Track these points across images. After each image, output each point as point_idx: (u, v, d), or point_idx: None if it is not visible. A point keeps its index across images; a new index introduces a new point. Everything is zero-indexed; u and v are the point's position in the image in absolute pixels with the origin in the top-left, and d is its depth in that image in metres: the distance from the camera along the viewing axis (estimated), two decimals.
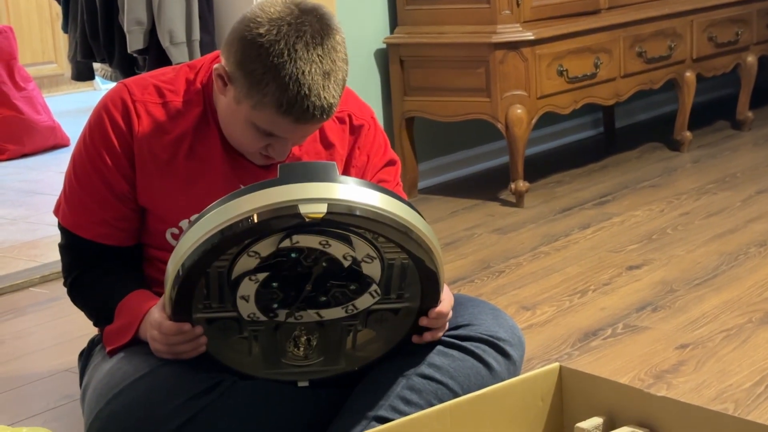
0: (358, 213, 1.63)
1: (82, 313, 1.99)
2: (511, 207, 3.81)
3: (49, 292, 3.15)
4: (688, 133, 4.52)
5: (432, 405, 1.79)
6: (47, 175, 4.93)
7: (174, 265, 1.68)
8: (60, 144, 5.53)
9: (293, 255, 1.68)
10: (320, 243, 1.67)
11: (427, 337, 1.83)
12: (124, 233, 1.92)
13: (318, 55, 1.72)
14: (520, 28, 3.72)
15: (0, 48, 5.42)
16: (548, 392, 1.86)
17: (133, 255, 1.96)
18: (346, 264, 1.70)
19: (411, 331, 1.83)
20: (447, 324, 1.87)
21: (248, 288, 1.71)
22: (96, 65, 3.73)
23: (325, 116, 1.76)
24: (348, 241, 1.67)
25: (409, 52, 3.90)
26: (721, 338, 2.48)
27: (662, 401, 1.73)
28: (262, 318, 1.76)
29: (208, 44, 3.42)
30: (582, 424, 1.78)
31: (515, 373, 1.92)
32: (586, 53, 3.95)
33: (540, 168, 4.32)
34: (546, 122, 4.59)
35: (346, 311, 1.77)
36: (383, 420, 1.78)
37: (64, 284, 1.98)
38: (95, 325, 1.98)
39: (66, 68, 6.98)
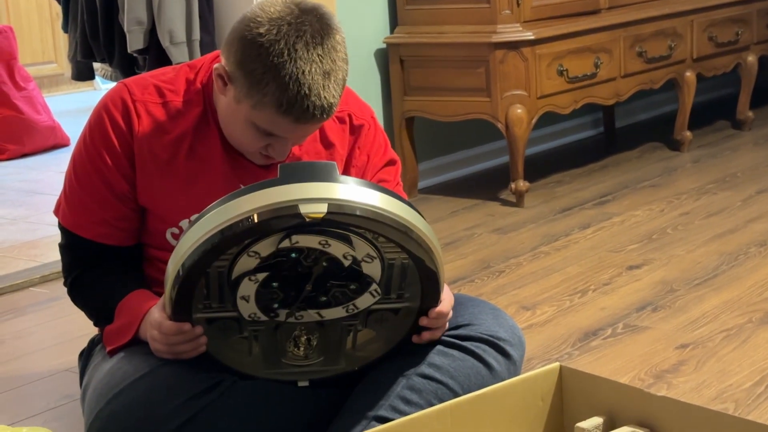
0: (358, 213, 1.63)
1: (82, 313, 1.99)
2: (512, 207, 3.81)
3: (49, 291, 3.15)
4: (688, 133, 4.53)
5: (432, 405, 1.79)
6: (47, 175, 4.93)
7: (174, 265, 1.68)
8: (60, 144, 5.53)
9: (293, 255, 1.68)
10: (320, 243, 1.67)
11: (426, 336, 1.83)
12: (124, 233, 1.92)
13: (318, 55, 1.72)
14: (520, 28, 3.72)
15: (0, 48, 5.42)
16: (548, 392, 1.86)
17: (133, 255, 1.96)
18: (347, 263, 1.70)
19: (411, 331, 1.83)
20: (447, 324, 1.87)
21: (248, 288, 1.71)
22: (96, 65, 3.73)
23: (325, 116, 1.76)
24: (348, 241, 1.67)
25: (409, 52, 3.90)
26: (721, 338, 2.48)
27: (662, 401, 1.73)
28: (263, 318, 1.76)
29: (208, 44, 3.42)
30: (582, 424, 1.78)
31: (515, 373, 1.92)
32: (586, 53, 3.95)
33: (540, 168, 4.32)
34: (546, 122, 4.59)
35: (347, 311, 1.77)
36: (383, 420, 1.78)
37: (64, 284, 1.98)
38: (95, 325, 1.98)
39: (66, 68, 6.98)
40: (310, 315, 1.77)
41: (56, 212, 1.96)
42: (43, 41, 7.28)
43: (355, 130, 1.99)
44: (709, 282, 2.87)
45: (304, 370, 1.83)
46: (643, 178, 4.09)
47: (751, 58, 4.78)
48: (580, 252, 3.22)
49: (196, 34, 3.38)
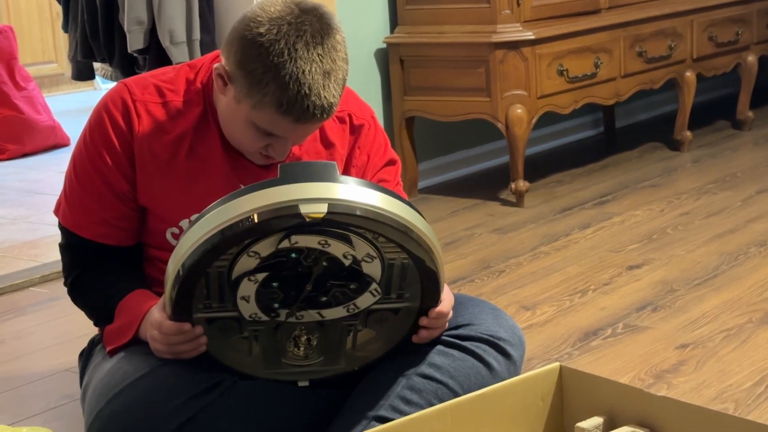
0: (358, 213, 1.63)
1: (82, 313, 1.99)
2: (512, 207, 3.81)
3: (49, 291, 3.15)
4: (688, 133, 4.53)
5: (432, 405, 1.79)
6: (47, 174, 4.93)
7: (174, 264, 1.68)
8: (60, 144, 5.53)
9: (293, 255, 1.68)
10: (319, 243, 1.67)
11: (423, 334, 1.82)
12: (124, 233, 1.92)
13: (318, 55, 1.72)
14: (521, 28, 3.72)
15: (0, 48, 5.42)
16: (548, 392, 1.86)
17: (134, 255, 1.96)
18: (347, 263, 1.70)
19: (411, 331, 1.83)
20: (447, 324, 1.87)
21: (248, 288, 1.71)
22: (96, 65, 3.73)
23: (325, 116, 1.76)
24: (348, 241, 1.67)
25: (409, 52, 3.90)
26: (721, 338, 2.48)
27: (662, 401, 1.73)
28: (264, 318, 1.76)
29: (208, 44, 3.42)
30: (582, 424, 1.78)
31: (515, 373, 1.92)
32: (586, 53, 3.95)
33: (540, 168, 4.32)
34: (546, 122, 4.59)
35: (348, 310, 1.77)
36: (383, 420, 1.78)
37: (65, 284, 1.98)
38: (95, 324, 1.98)
39: (66, 68, 6.98)
40: (311, 315, 1.77)
41: (56, 212, 1.96)
42: (44, 41, 7.28)
43: (355, 130, 1.99)
44: (709, 282, 2.87)
45: (304, 370, 1.83)
46: (643, 178, 4.09)
47: (751, 58, 4.78)
48: (580, 252, 3.22)
49: (197, 34, 3.38)
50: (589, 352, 2.46)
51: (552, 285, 2.94)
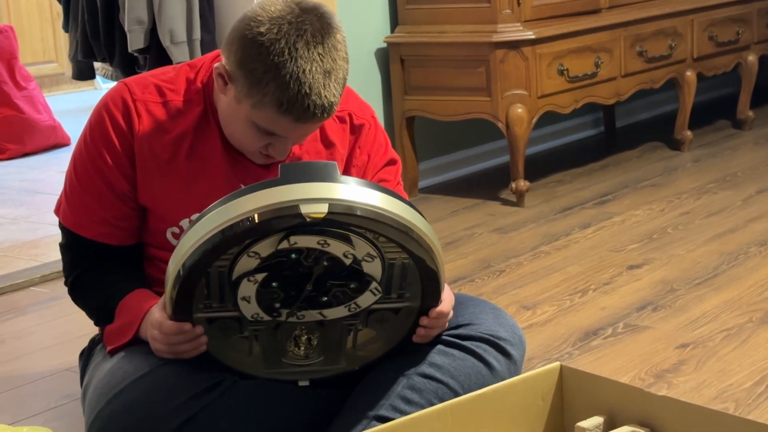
0: (359, 213, 1.63)
1: (82, 313, 1.99)
2: (512, 206, 3.81)
3: (49, 291, 3.15)
4: (688, 133, 4.52)
5: (433, 404, 1.79)
6: (48, 174, 4.93)
7: (175, 264, 1.68)
8: (61, 143, 5.53)
9: (293, 256, 1.68)
10: (318, 243, 1.66)
11: (421, 332, 1.82)
12: (124, 232, 1.92)
13: (319, 54, 1.72)
14: (521, 28, 3.72)
15: (1, 47, 5.42)
16: (549, 392, 1.86)
17: (134, 254, 1.96)
18: (347, 262, 1.70)
19: (411, 330, 1.83)
20: (447, 324, 1.87)
21: (248, 289, 1.71)
22: (97, 64, 3.73)
23: (325, 115, 1.76)
24: (348, 241, 1.67)
25: (409, 52, 3.90)
26: (721, 338, 2.48)
27: (663, 401, 1.73)
28: (266, 318, 1.76)
29: (208, 43, 3.43)
30: (582, 424, 1.78)
31: (516, 373, 1.92)
32: (586, 52, 3.95)
33: (540, 167, 4.32)
34: (546, 121, 4.59)
35: (349, 310, 1.77)
36: (384, 419, 1.78)
37: (65, 283, 1.98)
38: (96, 324, 1.98)
39: (67, 67, 6.98)
40: (312, 314, 1.77)
41: (57, 212, 1.96)
42: (44, 41, 7.28)
43: (355, 130, 1.99)
44: (710, 282, 2.87)
45: (304, 370, 1.83)
46: (644, 178, 4.09)
47: (752, 58, 4.78)
48: (580, 251, 3.22)
49: (197, 34, 3.38)
50: (589, 351, 2.46)
51: (552, 285, 2.94)
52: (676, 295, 2.78)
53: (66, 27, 3.68)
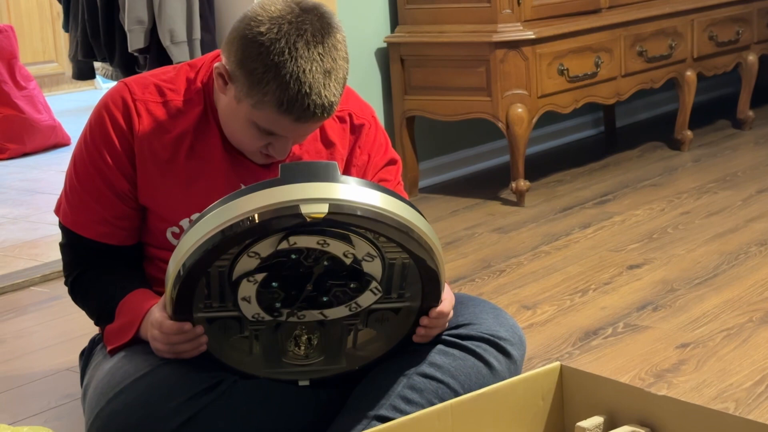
0: (359, 213, 1.63)
1: (82, 313, 1.99)
2: (512, 206, 3.81)
3: (49, 291, 3.15)
4: (688, 132, 4.52)
5: (433, 404, 1.79)
6: (48, 174, 4.93)
7: (175, 264, 1.68)
8: (61, 143, 5.53)
9: (293, 256, 1.68)
10: (318, 243, 1.66)
11: (421, 332, 1.83)
12: (124, 232, 1.92)
13: (319, 54, 1.72)
14: (521, 27, 3.72)
15: (1, 47, 5.42)
16: (549, 391, 1.86)
17: (134, 254, 1.96)
18: (348, 261, 1.70)
19: (412, 330, 1.83)
20: (447, 323, 1.87)
21: (248, 289, 1.71)
22: (97, 64, 3.73)
23: (325, 115, 1.76)
24: (348, 240, 1.67)
25: (409, 51, 3.90)
26: (721, 337, 2.48)
27: (663, 400, 1.74)
28: (267, 318, 1.76)
29: (208, 43, 3.43)
30: (583, 423, 1.78)
31: (516, 372, 1.92)
32: (586, 52, 3.95)
33: (541, 167, 4.32)
34: (547, 121, 4.59)
35: (350, 309, 1.77)
36: (384, 419, 1.78)
37: (65, 283, 1.98)
38: (96, 324, 1.98)
39: (67, 67, 6.99)
40: (313, 314, 1.77)
41: (57, 211, 1.96)
42: (44, 40, 7.28)
43: (355, 130, 1.99)
44: (710, 281, 2.87)
45: (304, 370, 1.83)
46: (644, 178, 4.09)
47: (752, 58, 4.78)
48: (580, 251, 3.22)
49: (197, 33, 3.38)
50: (589, 351, 2.46)
51: (552, 284, 2.94)
52: (676, 295, 2.78)
53: (66, 27, 3.68)
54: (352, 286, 1.74)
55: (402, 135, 3.96)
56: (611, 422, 1.79)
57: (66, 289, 1.98)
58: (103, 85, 7.13)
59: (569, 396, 1.86)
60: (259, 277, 1.69)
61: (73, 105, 6.74)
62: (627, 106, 5.06)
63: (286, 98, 1.71)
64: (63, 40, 7.16)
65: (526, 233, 3.46)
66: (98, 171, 1.88)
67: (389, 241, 1.67)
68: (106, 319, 1.91)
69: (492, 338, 1.90)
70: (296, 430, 1.83)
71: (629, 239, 3.30)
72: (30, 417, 2.28)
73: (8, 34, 5.49)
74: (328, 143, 1.96)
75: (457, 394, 1.83)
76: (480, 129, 4.32)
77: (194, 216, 1.85)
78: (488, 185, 4.11)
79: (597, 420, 1.79)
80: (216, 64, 1.80)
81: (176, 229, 1.91)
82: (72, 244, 1.94)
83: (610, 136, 4.92)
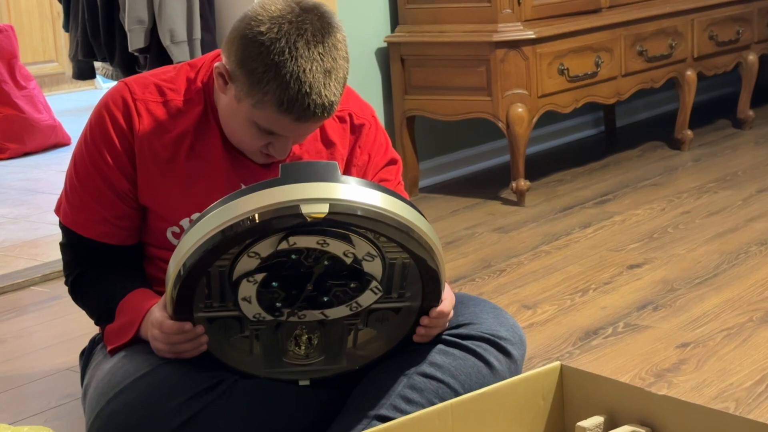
0: (359, 213, 1.63)
1: (83, 312, 1.99)
2: (512, 206, 3.81)
3: (50, 290, 3.15)
4: (689, 132, 4.52)
5: (433, 404, 1.79)
6: (48, 174, 4.93)
7: (175, 264, 1.68)
8: (61, 143, 5.53)
9: (293, 256, 1.68)
10: (318, 242, 1.66)
11: (422, 332, 1.83)
12: (124, 232, 1.92)
13: (319, 53, 1.72)
14: (521, 27, 3.72)
15: (1, 47, 5.42)
16: (549, 391, 1.86)
17: (134, 254, 1.96)
18: (348, 261, 1.70)
19: (412, 330, 1.83)
20: (448, 323, 1.87)
21: (248, 289, 1.71)
22: (97, 64, 3.73)
23: (326, 114, 1.76)
24: (348, 240, 1.67)
25: (410, 51, 3.90)
26: (721, 337, 2.48)
27: (663, 400, 1.74)
28: (268, 318, 1.76)
29: (209, 43, 3.42)
30: (583, 423, 1.78)
31: (516, 372, 1.92)
32: (587, 52, 3.95)
33: (541, 167, 4.32)
34: (547, 121, 4.59)
35: (350, 309, 1.77)
36: (384, 419, 1.78)
37: (66, 283, 1.98)
38: (96, 323, 1.98)
39: (67, 67, 6.99)
40: (314, 314, 1.77)
41: (57, 211, 1.96)
42: (44, 40, 7.28)
43: (355, 130, 1.99)
44: (710, 281, 2.87)
45: (304, 369, 1.83)
46: (644, 177, 4.09)
47: (752, 57, 4.78)
48: (580, 251, 3.22)
49: (197, 33, 3.38)
50: (589, 351, 2.46)
51: (553, 284, 2.94)
52: (676, 295, 2.78)
53: (66, 26, 3.68)
54: (352, 285, 1.74)
55: (402, 135, 3.96)
56: (611, 422, 1.79)
57: (66, 288, 1.98)
58: (103, 84, 7.13)
59: (569, 396, 1.86)
60: (259, 277, 1.69)
61: (74, 105, 6.74)
62: (627, 105, 5.06)
63: (286, 98, 1.71)
64: (63, 39, 7.16)
65: (526, 233, 3.46)
66: (98, 171, 1.88)
67: (389, 241, 1.67)
68: (107, 319, 1.91)
69: (492, 338, 1.90)
70: (296, 430, 1.83)
71: (629, 239, 3.30)
72: (30, 417, 2.28)
73: (8, 33, 5.49)
74: (328, 143, 1.96)
75: (457, 393, 1.83)
76: (480, 129, 4.32)
77: (194, 216, 1.85)
78: (488, 185, 4.11)
79: (597, 420, 1.79)
80: (216, 64, 1.80)
81: (176, 229, 1.91)
82: (72, 244, 1.94)
83: (611, 135, 4.92)
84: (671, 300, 2.75)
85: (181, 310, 1.72)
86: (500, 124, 3.75)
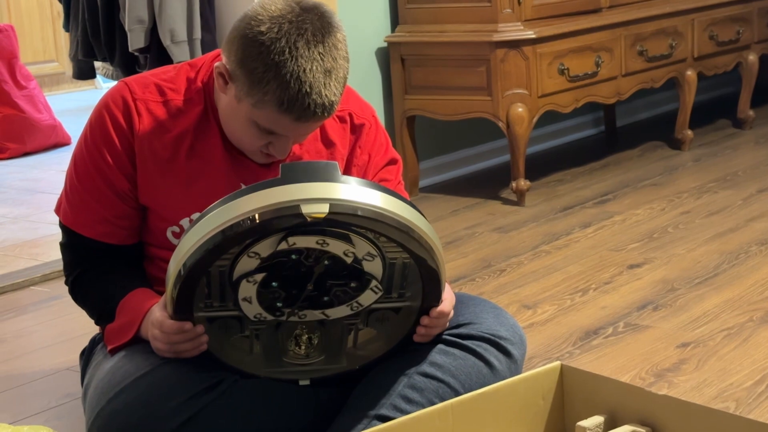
0: (359, 213, 1.63)
1: (83, 312, 1.99)
2: (512, 206, 3.81)
3: (50, 290, 3.15)
4: (689, 132, 4.52)
5: (433, 404, 1.79)
6: (48, 173, 4.93)
7: (176, 264, 1.68)
8: (61, 143, 5.53)
9: (294, 257, 1.68)
10: (318, 242, 1.66)
11: (422, 332, 1.83)
12: (125, 231, 1.92)
13: (319, 53, 1.72)
14: (522, 27, 3.72)
15: (1, 46, 5.42)
16: (549, 391, 1.86)
17: (134, 253, 1.96)
18: (349, 260, 1.70)
19: (412, 330, 1.83)
20: (448, 323, 1.87)
21: (248, 290, 1.71)
22: (97, 64, 3.73)
23: (326, 114, 1.76)
24: (347, 240, 1.67)
25: (410, 51, 3.90)
26: (721, 337, 2.48)
27: (663, 400, 1.74)
28: (269, 317, 1.76)
29: (209, 43, 3.42)
30: (583, 423, 1.78)
31: (516, 372, 1.92)
32: (587, 52, 3.95)
33: (541, 166, 4.32)
34: (547, 121, 4.59)
35: (351, 308, 1.77)
36: (385, 418, 1.78)
37: (66, 283, 1.98)
38: (97, 323, 1.98)
39: (67, 67, 6.99)
40: (315, 314, 1.77)
41: (57, 211, 1.96)
42: (44, 40, 7.28)
43: (355, 129, 1.99)
44: (710, 281, 2.87)
45: (305, 369, 1.83)
46: (644, 177, 4.09)
47: (752, 57, 4.78)
48: (581, 251, 3.22)
49: (197, 33, 3.38)
50: (590, 351, 2.46)
51: (553, 284, 2.94)
52: (676, 295, 2.78)
53: (66, 26, 3.68)
54: (352, 285, 1.74)
55: (402, 134, 3.96)
56: (612, 422, 1.79)
57: (66, 288, 1.98)
58: (103, 84, 7.13)
59: (570, 395, 1.86)
60: (259, 277, 1.69)
61: (74, 104, 6.74)
62: (627, 105, 5.06)
63: (286, 97, 1.71)
64: (63, 39, 7.16)
65: (526, 233, 3.46)
66: (98, 170, 1.88)
67: (390, 241, 1.67)
68: (107, 319, 1.91)
69: (492, 338, 1.90)
70: (297, 430, 1.83)
71: (629, 239, 3.30)
72: (30, 416, 2.28)
73: (8, 33, 5.49)
74: (328, 143, 1.96)
75: (457, 393, 1.83)
76: (480, 128, 4.32)
77: (195, 215, 1.85)
78: (489, 185, 4.11)
79: (597, 419, 1.79)
80: (216, 64, 1.80)
81: (176, 229, 1.91)
82: (72, 244, 1.94)
83: (611, 135, 4.91)
84: (671, 300, 2.75)
85: (182, 309, 1.72)
86: (500, 124, 3.75)
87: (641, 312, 2.68)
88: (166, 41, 3.33)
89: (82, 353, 2.03)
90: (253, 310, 1.74)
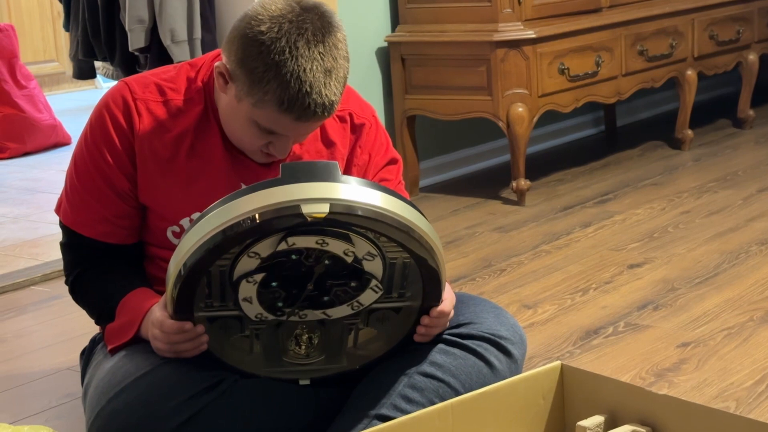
0: (360, 213, 1.63)
1: (83, 312, 1.99)
2: (513, 205, 3.81)
3: (50, 290, 3.15)
4: (689, 132, 4.52)
5: (434, 403, 1.79)
6: (48, 173, 4.93)
7: (176, 264, 1.68)
8: (61, 142, 5.53)
9: (294, 257, 1.68)
10: (317, 242, 1.66)
11: (422, 332, 1.83)
12: (125, 231, 1.92)
13: (319, 53, 1.72)
14: (522, 27, 3.72)
15: (1, 46, 5.42)
16: (550, 390, 1.86)
17: (135, 253, 1.96)
18: (349, 260, 1.70)
19: (412, 329, 1.83)
20: (448, 323, 1.87)
21: (248, 290, 1.71)
22: (97, 63, 3.73)
23: (326, 114, 1.76)
24: (347, 240, 1.67)
25: (410, 51, 3.90)
26: (722, 337, 2.48)
27: (663, 399, 1.74)
28: (270, 317, 1.76)
29: (209, 43, 3.42)
30: (583, 423, 1.78)
31: (517, 372, 1.92)
32: (587, 51, 3.95)
33: (541, 166, 4.32)
34: (547, 120, 4.59)
35: (352, 308, 1.77)
36: (385, 418, 1.78)
37: (66, 282, 1.98)
38: (97, 323, 1.98)
39: (67, 66, 6.98)
40: (315, 314, 1.77)
41: (57, 210, 1.96)
42: (45, 40, 7.28)
43: (356, 129, 1.99)
44: (710, 280, 2.87)
45: (305, 369, 1.83)
46: (644, 177, 4.09)
47: (752, 57, 4.78)
48: (581, 250, 3.22)
49: (198, 33, 3.38)
50: (590, 350, 2.46)
51: (553, 283, 2.94)
52: (676, 294, 2.78)
53: (67, 26, 3.68)
54: (352, 285, 1.74)
55: (403, 134, 3.96)
56: (612, 421, 1.79)
57: (66, 288, 1.98)
58: (103, 84, 7.13)
59: (570, 395, 1.86)
60: (259, 277, 1.69)
61: (74, 104, 6.74)
62: (628, 105, 5.06)
63: (286, 97, 1.71)
64: (63, 39, 7.15)
65: (526, 232, 3.46)
66: (99, 170, 1.88)
67: (390, 241, 1.67)
68: (107, 319, 1.91)
69: (493, 337, 1.90)
70: (297, 430, 1.83)
71: (630, 238, 3.30)
72: (30, 416, 2.28)
73: (9, 33, 5.49)
74: (328, 143, 1.96)
75: (457, 393, 1.83)
76: (481, 128, 4.32)
77: (195, 215, 1.85)
78: (489, 184, 4.11)
79: (598, 419, 1.78)
80: (216, 63, 1.80)
81: (177, 229, 1.91)
82: (72, 244, 1.94)
83: (611, 135, 4.92)
84: (672, 299, 2.75)
85: (182, 309, 1.72)
86: (500, 124, 3.75)
87: (641, 312, 2.68)
88: (166, 41, 3.33)
89: (82, 353, 2.03)
90: (253, 310, 1.74)
